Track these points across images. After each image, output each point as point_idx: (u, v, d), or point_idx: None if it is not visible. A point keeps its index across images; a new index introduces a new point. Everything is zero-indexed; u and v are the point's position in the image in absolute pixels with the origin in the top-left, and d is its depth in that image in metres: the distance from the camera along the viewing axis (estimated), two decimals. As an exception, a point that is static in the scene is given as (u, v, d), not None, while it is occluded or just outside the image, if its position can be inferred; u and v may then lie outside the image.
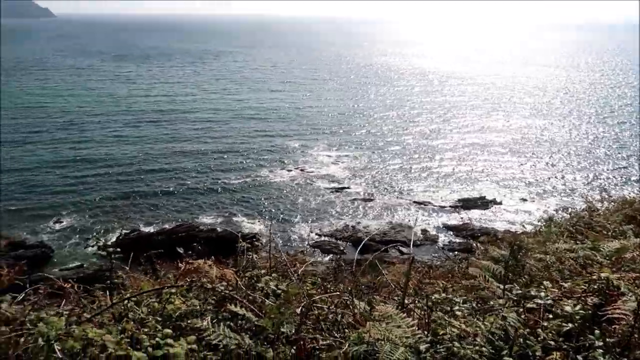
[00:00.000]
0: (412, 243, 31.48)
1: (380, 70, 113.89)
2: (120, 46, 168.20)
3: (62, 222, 32.12)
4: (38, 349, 2.39)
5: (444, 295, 3.36)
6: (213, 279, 3.40)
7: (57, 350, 2.34)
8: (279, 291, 3.27)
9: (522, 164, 45.89)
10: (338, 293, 3.53)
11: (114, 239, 30.13)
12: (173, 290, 3.18)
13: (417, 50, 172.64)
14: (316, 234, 32.19)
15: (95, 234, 30.62)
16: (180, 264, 4.32)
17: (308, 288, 3.51)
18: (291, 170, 42.80)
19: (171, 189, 37.96)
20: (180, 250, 4.25)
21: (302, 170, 42.94)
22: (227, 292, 3.07)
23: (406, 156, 47.95)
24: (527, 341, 2.69)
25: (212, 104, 67.81)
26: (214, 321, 2.86)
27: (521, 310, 3.07)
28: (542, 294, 3.21)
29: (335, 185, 40.16)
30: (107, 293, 3.58)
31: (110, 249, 3.83)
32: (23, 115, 57.87)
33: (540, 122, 61.92)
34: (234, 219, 33.95)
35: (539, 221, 8.82)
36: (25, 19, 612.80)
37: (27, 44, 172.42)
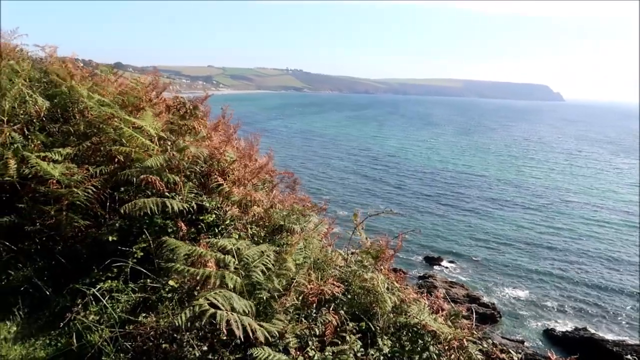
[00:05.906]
0: None
1: None
2: (622, 135, 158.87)
3: (519, 293, 33.59)
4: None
5: None
6: None
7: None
8: None
9: None
10: None
11: (557, 330, 28.83)
12: None
13: None
14: None
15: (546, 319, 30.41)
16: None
17: None
18: None
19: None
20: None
21: None
22: None
23: None
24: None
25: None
26: None
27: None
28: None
29: None
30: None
31: None
32: (502, 188, 63.48)
33: None
34: None
35: None
36: (539, 101, 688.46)
37: (530, 124, 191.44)
